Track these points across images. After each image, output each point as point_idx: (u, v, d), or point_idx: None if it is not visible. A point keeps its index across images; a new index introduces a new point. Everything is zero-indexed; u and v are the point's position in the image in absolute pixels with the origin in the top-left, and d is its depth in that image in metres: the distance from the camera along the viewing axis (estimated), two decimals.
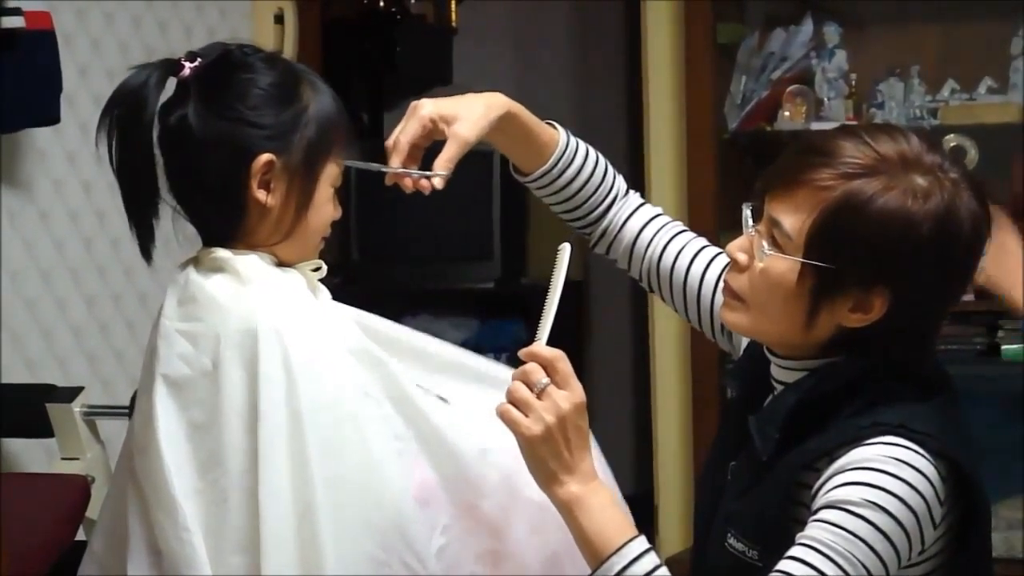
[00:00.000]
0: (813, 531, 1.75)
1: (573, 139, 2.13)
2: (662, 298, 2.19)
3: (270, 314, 1.85)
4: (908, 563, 1.79)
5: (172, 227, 1.95)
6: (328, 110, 1.94)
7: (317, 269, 1.97)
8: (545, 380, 1.78)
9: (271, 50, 1.98)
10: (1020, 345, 3.88)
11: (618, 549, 1.76)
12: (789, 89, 4.19)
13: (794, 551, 1.75)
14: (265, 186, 1.90)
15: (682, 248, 2.16)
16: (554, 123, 2.11)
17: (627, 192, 2.19)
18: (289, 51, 3.95)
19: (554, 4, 5.96)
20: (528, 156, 2.10)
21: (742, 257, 1.91)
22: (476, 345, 5.65)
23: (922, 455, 1.79)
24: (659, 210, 2.20)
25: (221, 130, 1.88)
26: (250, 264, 1.90)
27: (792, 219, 1.85)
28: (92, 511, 2.93)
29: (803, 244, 1.84)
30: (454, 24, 6.03)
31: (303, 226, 1.93)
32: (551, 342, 1.80)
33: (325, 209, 1.96)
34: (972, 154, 3.93)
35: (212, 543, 1.81)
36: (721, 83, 4.18)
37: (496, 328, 5.59)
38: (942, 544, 1.83)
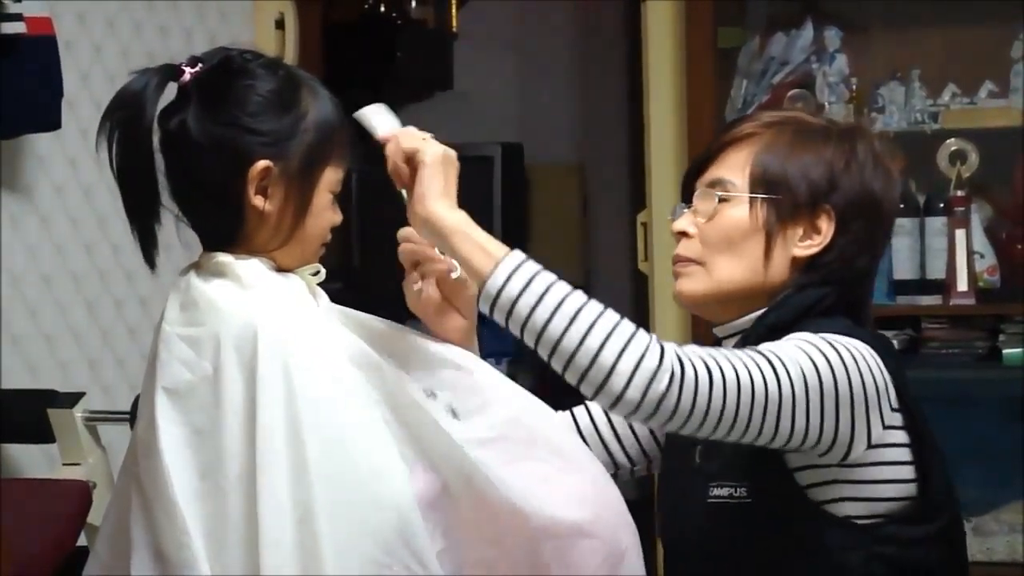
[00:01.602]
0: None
1: None
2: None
3: (270, 318, 1.86)
4: (864, 461, 1.90)
5: (174, 232, 1.95)
6: (327, 117, 1.94)
7: (316, 273, 1.98)
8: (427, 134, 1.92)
9: (273, 55, 1.99)
10: (1021, 349, 3.87)
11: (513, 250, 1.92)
12: (790, 93, 4.18)
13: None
14: (263, 192, 1.90)
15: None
16: None
17: None
18: (290, 56, 3.95)
19: (554, 8, 5.96)
20: None
21: (691, 228, 2.05)
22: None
23: (875, 353, 1.94)
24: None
25: (219, 136, 1.89)
26: (251, 269, 1.91)
27: (731, 170, 2.03)
28: (93, 517, 2.93)
29: (748, 185, 2.01)
30: (454, 29, 6.03)
31: (301, 232, 1.94)
32: None
33: (324, 215, 1.96)
34: (973, 158, 3.93)
35: (212, 546, 1.81)
36: (722, 87, 4.18)
37: (497, 330, 5.57)
38: (905, 474, 1.94)
